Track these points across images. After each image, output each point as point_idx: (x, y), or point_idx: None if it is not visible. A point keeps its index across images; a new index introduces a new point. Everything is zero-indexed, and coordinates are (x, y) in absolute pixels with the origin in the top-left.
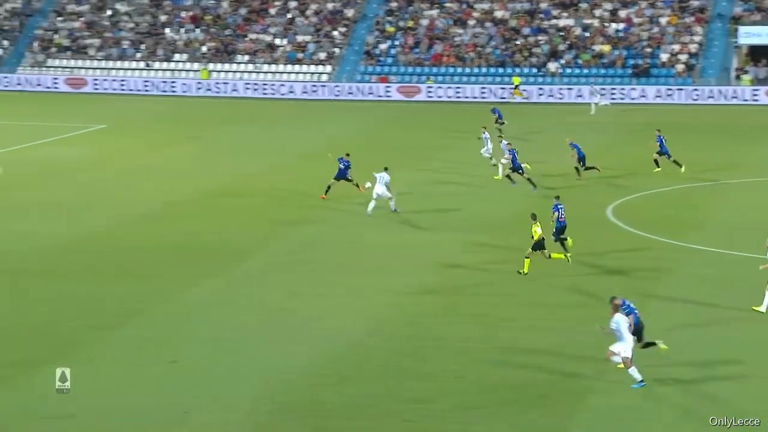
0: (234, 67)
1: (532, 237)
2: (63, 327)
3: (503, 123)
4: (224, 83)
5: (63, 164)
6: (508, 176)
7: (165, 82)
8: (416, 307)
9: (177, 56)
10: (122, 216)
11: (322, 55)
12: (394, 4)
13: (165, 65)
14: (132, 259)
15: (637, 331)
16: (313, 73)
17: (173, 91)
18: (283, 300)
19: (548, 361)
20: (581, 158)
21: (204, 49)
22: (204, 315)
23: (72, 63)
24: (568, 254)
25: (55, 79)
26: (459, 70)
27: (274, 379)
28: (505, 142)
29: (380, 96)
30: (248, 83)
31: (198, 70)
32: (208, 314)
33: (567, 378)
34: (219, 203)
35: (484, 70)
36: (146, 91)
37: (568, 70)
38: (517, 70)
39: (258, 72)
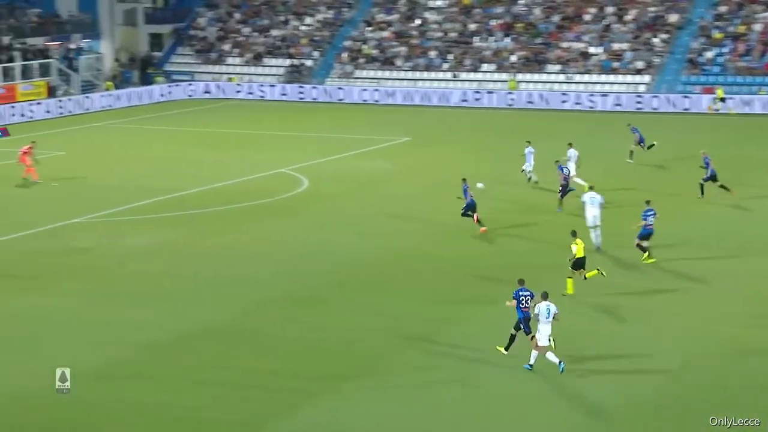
0: (544, 77)
1: (574, 255)
2: (375, 342)
3: (651, 145)
4: (534, 94)
5: (368, 177)
6: None
7: (474, 93)
8: None
9: (485, 66)
10: (430, 230)
11: (640, 64)
12: (723, 8)
13: (472, 75)
14: (448, 280)
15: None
16: (629, 83)
17: (480, 103)
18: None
19: None
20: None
21: (513, 58)
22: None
23: (379, 74)
24: (601, 271)
25: (363, 90)
26: None
27: None
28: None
29: (702, 109)
30: (560, 94)
31: (506, 81)
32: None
33: None
34: (535, 219)
35: None
36: (453, 102)
37: None
38: None
39: (569, 82)
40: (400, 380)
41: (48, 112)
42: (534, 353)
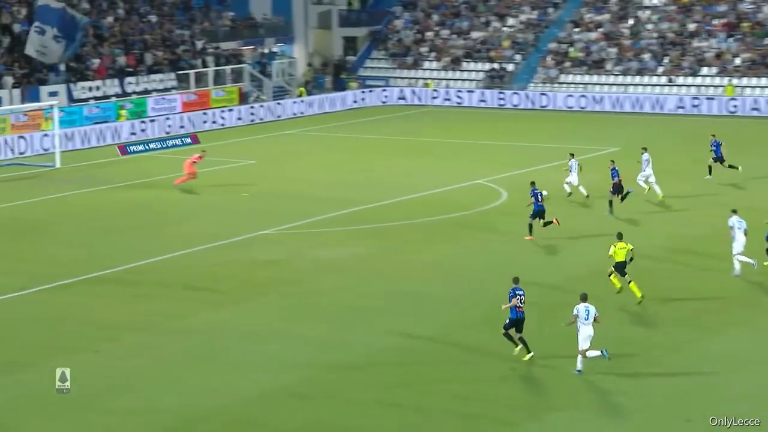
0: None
1: (610, 256)
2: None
3: (730, 166)
4: (760, 100)
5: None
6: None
7: (692, 99)
8: None
9: (705, 70)
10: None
11: None
12: None
13: (690, 80)
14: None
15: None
16: None
17: (698, 110)
18: None
19: None
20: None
21: (737, 61)
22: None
23: (586, 79)
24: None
25: (568, 96)
26: None
27: None
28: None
29: None
30: None
31: (724, 86)
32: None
33: None
34: None
35: None
36: (668, 110)
37: None
38: None
39: None
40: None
41: (239, 119)
42: (580, 357)
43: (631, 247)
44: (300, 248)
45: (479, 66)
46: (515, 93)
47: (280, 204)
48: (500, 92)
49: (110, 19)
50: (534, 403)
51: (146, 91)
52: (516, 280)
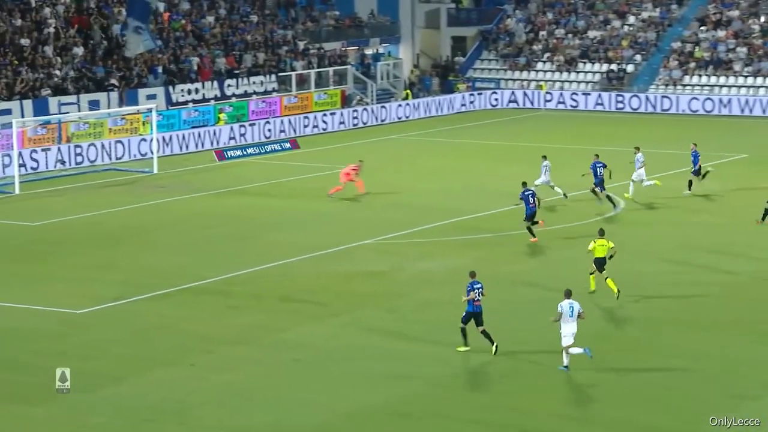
0: None
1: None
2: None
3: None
4: None
5: (690, 202)
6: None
7: None
8: None
9: None
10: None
11: None
12: None
13: None
14: None
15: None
16: None
17: None
18: None
19: None
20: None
21: None
22: None
23: (713, 80)
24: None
25: (693, 98)
26: None
27: None
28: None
29: None
30: None
31: None
32: None
33: None
34: None
35: None
36: None
37: None
38: None
39: None
40: None
41: (342, 123)
42: (565, 354)
43: (612, 245)
44: (402, 260)
45: (596, 67)
46: (635, 96)
47: (382, 213)
48: (618, 95)
49: (210, 19)
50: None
51: (246, 94)
52: (473, 274)
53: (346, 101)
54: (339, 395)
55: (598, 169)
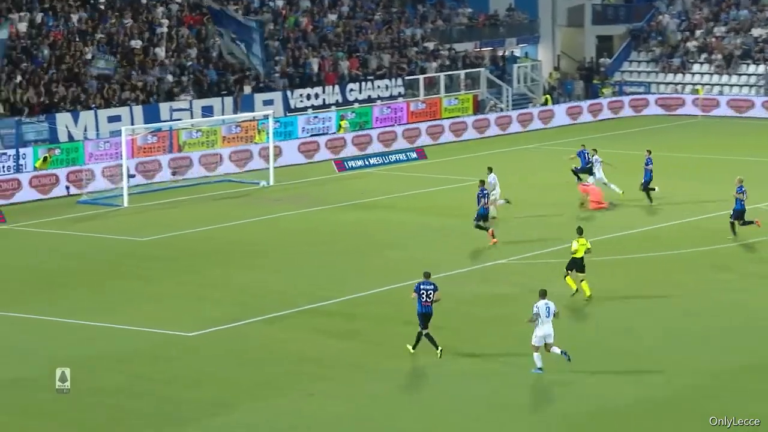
0: None
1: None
2: None
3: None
4: None
5: None
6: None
7: None
8: None
9: None
10: None
11: None
12: None
13: None
14: None
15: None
16: None
17: None
18: None
19: None
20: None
21: None
22: None
23: None
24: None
25: None
26: None
27: None
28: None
29: None
30: None
31: None
32: None
33: None
34: None
35: None
36: None
37: None
38: None
39: None
40: None
41: (474, 131)
42: (537, 355)
43: (589, 245)
44: (534, 281)
45: (760, 69)
46: None
47: (516, 229)
48: None
49: (332, 18)
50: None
51: (369, 99)
52: (427, 275)
53: (478, 107)
54: (464, 429)
55: (585, 155)
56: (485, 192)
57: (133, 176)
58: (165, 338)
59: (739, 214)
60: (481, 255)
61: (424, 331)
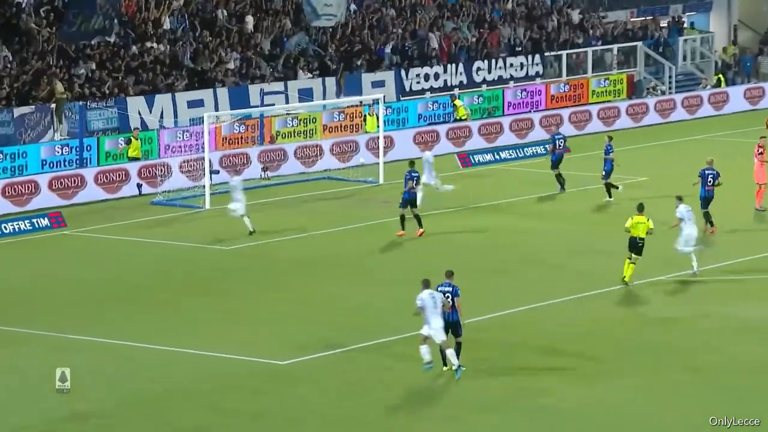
0: None
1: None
2: None
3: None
4: None
5: None
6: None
7: None
8: None
9: None
10: None
11: None
12: None
13: None
14: None
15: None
16: None
17: None
18: None
19: None
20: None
21: None
22: None
23: None
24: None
25: None
26: None
27: None
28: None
29: None
30: None
31: None
32: None
33: None
34: None
35: None
36: None
37: None
38: None
39: None
40: None
41: (628, 118)
42: (425, 348)
43: (651, 225)
44: (705, 302)
45: None
46: None
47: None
48: None
49: None
50: None
51: (500, 80)
52: (449, 274)
53: (634, 90)
54: None
55: (557, 142)
56: (413, 175)
57: (216, 172)
58: (254, 367)
59: None
60: (641, 270)
61: (456, 339)
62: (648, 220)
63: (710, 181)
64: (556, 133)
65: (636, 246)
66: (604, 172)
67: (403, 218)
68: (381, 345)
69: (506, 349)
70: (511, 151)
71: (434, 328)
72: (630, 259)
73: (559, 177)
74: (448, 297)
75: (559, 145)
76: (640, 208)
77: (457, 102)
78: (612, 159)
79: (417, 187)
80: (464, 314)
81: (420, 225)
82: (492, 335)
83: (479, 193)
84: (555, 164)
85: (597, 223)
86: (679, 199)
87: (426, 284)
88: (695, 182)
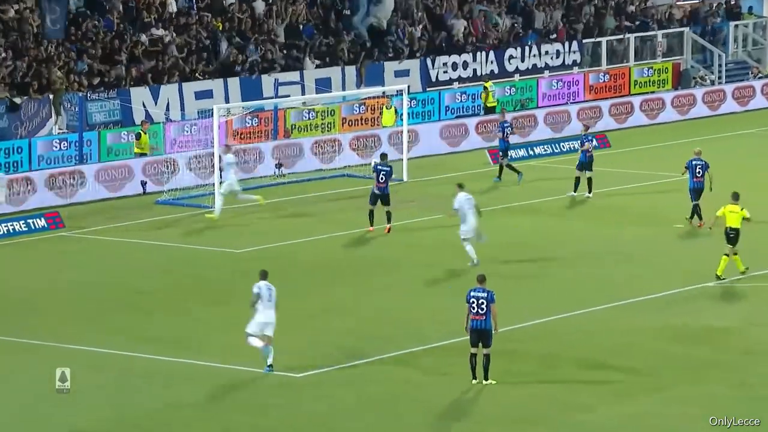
0: None
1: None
2: None
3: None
4: None
5: None
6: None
7: None
8: None
9: None
10: None
11: None
12: None
13: None
14: None
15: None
16: None
17: None
18: None
19: None
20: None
21: None
22: None
23: None
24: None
25: None
26: None
27: None
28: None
29: None
30: None
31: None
32: None
33: None
34: None
35: None
36: None
37: None
38: None
39: None
40: None
41: (674, 110)
42: (258, 343)
43: (747, 215)
44: (756, 310)
45: None
46: None
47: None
48: None
49: None
50: None
51: (535, 69)
52: (481, 279)
53: (680, 79)
54: None
55: (505, 130)
56: (378, 168)
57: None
58: (266, 380)
59: None
60: (682, 275)
61: (473, 350)
62: (742, 209)
63: (699, 172)
64: (503, 121)
65: (727, 237)
66: (578, 163)
67: (371, 214)
68: (403, 357)
69: (542, 361)
70: (545, 146)
71: (265, 321)
72: (728, 252)
73: (510, 167)
74: (483, 303)
75: (507, 133)
76: (735, 197)
77: (488, 84)
78: (588, 150)
79: (385, 184)
80: (498, 324)
81: (389, 221)
82: (526, 345)
83: (511, 191)
84: (505, 153)
85: (640, 224)
86: (460, 186)
87: (264, 275)
88: (683, 172)
